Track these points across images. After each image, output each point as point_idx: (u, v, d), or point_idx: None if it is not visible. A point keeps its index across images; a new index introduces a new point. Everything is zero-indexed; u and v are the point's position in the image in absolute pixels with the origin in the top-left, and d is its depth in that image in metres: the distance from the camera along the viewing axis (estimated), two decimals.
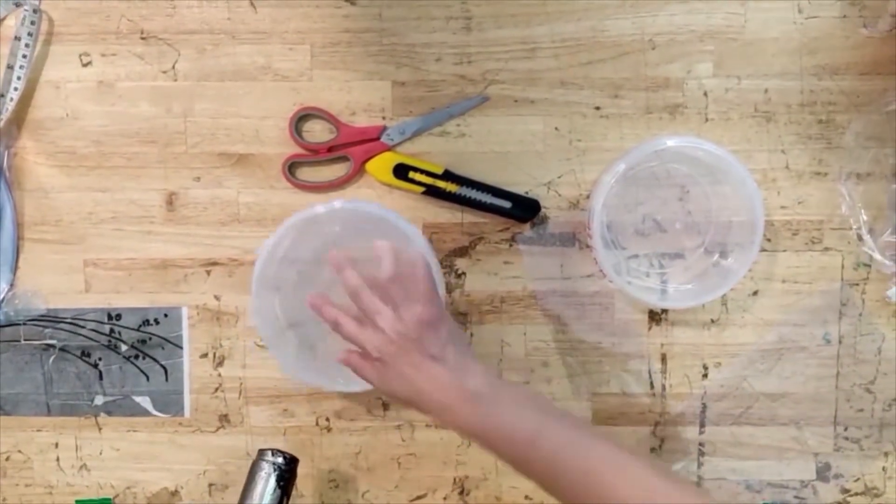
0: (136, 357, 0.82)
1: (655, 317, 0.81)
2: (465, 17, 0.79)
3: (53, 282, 0.82)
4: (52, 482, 0.83)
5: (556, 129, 0.80)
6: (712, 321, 0.81)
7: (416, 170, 0.79)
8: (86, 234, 0.81)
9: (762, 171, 0.80)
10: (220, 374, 0.82)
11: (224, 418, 0.82)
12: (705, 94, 0.79)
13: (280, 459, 0.73)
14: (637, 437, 0.82)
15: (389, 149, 0.80)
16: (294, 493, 0.76)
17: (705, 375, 0.81)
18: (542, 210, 0.80)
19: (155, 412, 0.83)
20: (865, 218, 0.80)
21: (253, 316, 0.76)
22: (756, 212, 0.74)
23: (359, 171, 0.80)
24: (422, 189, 0.79)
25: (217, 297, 0.82)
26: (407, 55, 0.79)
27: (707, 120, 0.80)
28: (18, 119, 0.80)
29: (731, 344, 0.81)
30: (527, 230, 0.81)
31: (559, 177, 0.80)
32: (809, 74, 0.79)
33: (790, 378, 0.81)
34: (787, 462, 0.82)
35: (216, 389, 0.82)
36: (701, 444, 0.82)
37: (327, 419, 0.82)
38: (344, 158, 0.80)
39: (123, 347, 0.82)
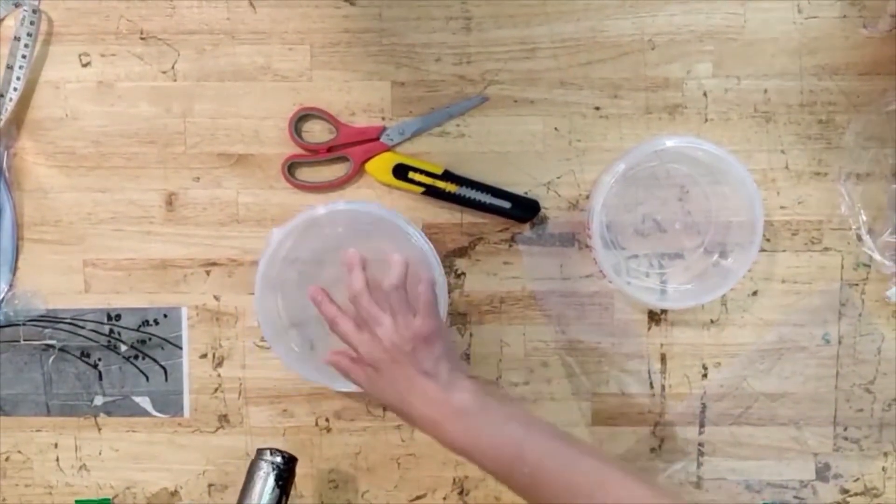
0: (136, 357, 0.82)
1: (655, 317, 0.81)
2: (465, 17, 0.79)
3: (53, 282, 0.82)
4: (51, 482, 0.83)
5: (555, 129, 0.80)
6: (712, 321, 0.81)
7: (415, 170, 0.79)
8: (85, 235, 0.81)
9: (762, 172, 0.80)
10: (219, 375, 0.82)
11: (223, 418, 0.82)
12: (705, 94, 0.79)
13: (279, 459, 0.73)
14: (636, 438, 0.82)
15: (389, 149, 0.80)
16: (294, 493, 0.76)
17: (705, 375, 0.81)
18: (542, 210, 0.80)
19: (154, 412, 0.83)
20: (865, 218, 0.80)
21: (256, 313, 0.76)
22: (755, 212, 0.74)
23: (358, 171, 0.80)
24: (421, 189, 0.79)
25: (216, 298, 0.82)
26: (406, 55, 0.79)
27: (707, 120, 0.80)
28: (18, 119, 0.80)
29: (731, 344, 0.81)
30: (526, 230, 0.81)
31: (559, 177, 0.80)
32: (809, 74, 0.79)
33: (790, 378, 0.81)
34: (786, 462, 0.82)
35: (216, 390, 0.82)
36: (700, 445, 0.82)
37: (327, 419, 0.82)
38: (343, 159, 0.80)
39: (123, 348, 0.82)
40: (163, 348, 0.82)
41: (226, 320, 0.82)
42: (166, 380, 0.82)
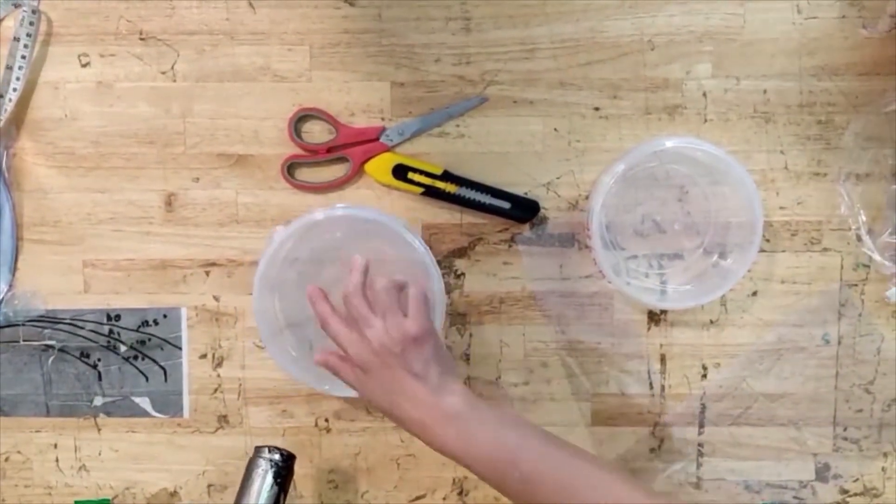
0: (136, 358, 0.82)
1: (654, 317, 0.81)
2: (465, 17, 0.79)
3: (52, 282, 0.82)
4: (51, 483, 0.83)
5: (555, 129, 0.80)
6: (711, 322, 0.81)
7: (415, 170, 0.79)
8: (85, 235, 0.81)
9: (761, 172, 0.80)
10: (219, 375, 0.82)
11: (223, 419, 0.82)
12: (704, 94, 0.79)
13: (277, 456, 0.73)
14: (636, 438, 0.82)
15: (388, 149, 0.80)
16: (293, 493, 0.76)
17: (704, 376, 0.81)
18: (542, 211, 0.80)
19: (154, 413, 0.83)
20: (864, 218, 0.80)
21: (254, 314, 0.76)
22: (755, 212, 0.74)
23: (358, 171, 0.80)
24: (421, 190, 0.79)
25: (216, 298, 0.82)
26: (406, 56, 0.79)
27: (706, 121, 0.80)
28: (17, 120, 0.80)
29: (730, 344, 0.81)
30: (526, 231, 0.81)
31: (558, 177, 0.80)
32: (808, 75, 0.79)
33: (789, 378, 0.81)
34: (786, 462, 0.82)
35: (215, 390, 0.82)
36: (700, 445, 0.82)
37: (326, 420, 0.82)
38: (343, 159, 0.80)
39: (122, 348, 0.82)
40: (162, 349, 0.82)
41: (225, 321, 0.82)
42: (166, 380, 0.82)
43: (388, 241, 0.76)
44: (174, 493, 0.83)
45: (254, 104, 0.80)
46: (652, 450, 0.82)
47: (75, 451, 0.83)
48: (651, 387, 0.82)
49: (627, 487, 0.61)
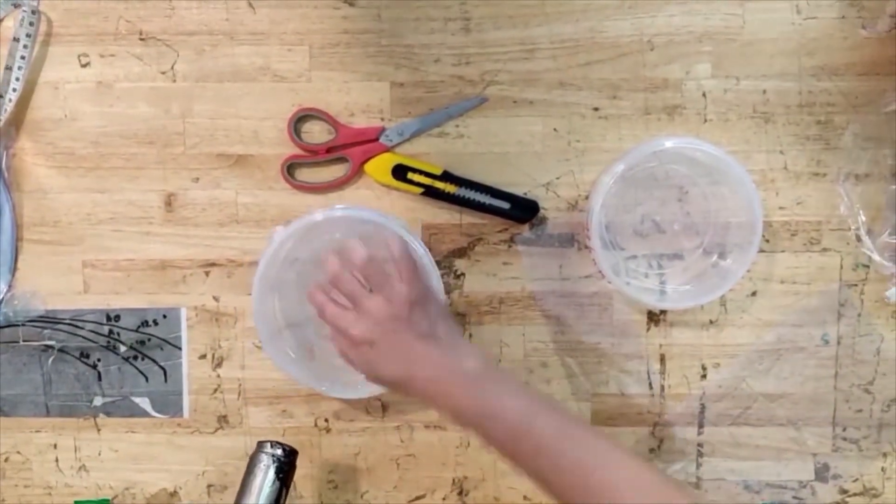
0: (135, 358, 0.82)
1: (654, 317, 0.81)
2: (464, 18, 0.79)
3: (52, 283, 0.82)
4: (50, 483, 0.83)
5: (554, 129, 0.80)
6: (711, 322, 0.81)
7: (414, 171, 0.79)
8: (84, 235, 0.81)
9: (761, 172, 0.80)
10: (218, 375, 0.82)
11: (223, 419, 0.82)
12: (704, 94, 0.79)
13: (279, 451, 0.73)
14: (636, 438, 0.82)
15: (388, 150, 0.80)
16: (293, 493, 0.76)
17: (704, 376, 0.81)
18: (541, 211, 0.80)
19: (154, 413, 0.83)
20: (864, 219, 0.80)
21: (254, 313, 0.76)
22: (754, 212, 0.74)
23: (357, 172, 0.80)
24: (420, 190, 0.79)
25: (216, 298, 0.82)
26: (405, 56, 0.79)
27: (706, 121, 0.80)
28: (17, 120, 0.80)
29: (730, 344, 0.81)
30: (525, 231, 0.81)
31: (558, 178, 0.80)
32: (808, 75, 0.79)
33: (789, 379, 0.81)
34: (785, 462, 0.82)
35: (215, 390, 0.82)
36: (699, 445, 0.82)
37: (326, 420, 0.82)
38: (343, 159, 0.80)
39: (122, 348, 0.82)
40: (162, 349, 0.82)
41: (225, 321, 0.82)
42: (165, 380, 0.82)
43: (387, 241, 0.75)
44: (174, 494, 0.83)
45: (253, 104, 0.80)
46: (651, 450, 0.82)
47: (75, 451, 0.83)
48: (651, 387, 0.82)
49: (640, 468, 0.60)
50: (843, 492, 0.82)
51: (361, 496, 0.83)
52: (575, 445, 0.61)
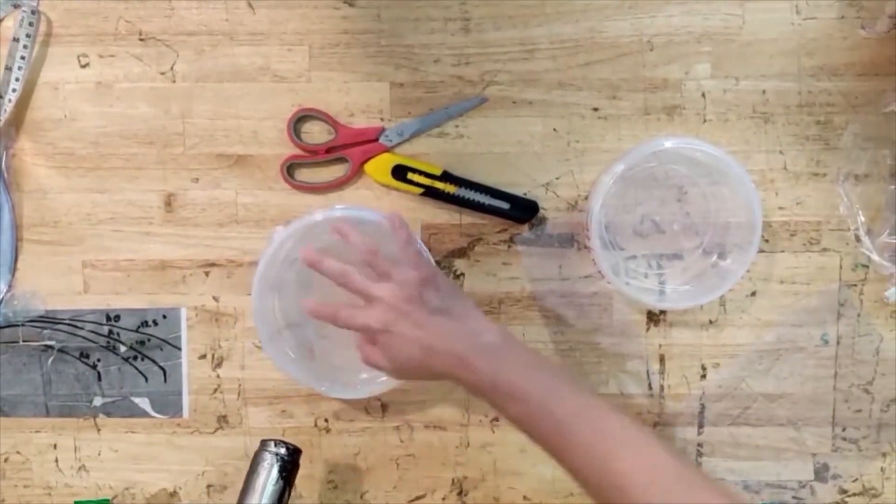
0: (135, 358, 0.82)
1: (654, 317, 0.81)
2: (464, 18, 0.79)
3: (52, 283, 0.82)
4: (50, 483, 0.83)
5: (554, 130, 0.80)
6: (710, 322, 0.81)
7: (414, 171, 0.79)
8: (84, 235, 0.81)
9: (760, 172, 0.80)
10: (218, 376, 0.82)
11: (223, 419, 0.82)
12: (703, 95, 0.79)
13: (283, 450, 0.73)
14: None
15: (388, 150, 0.80)
16: (293, 493, 0.76)
17: (703, 376, 0.81)
18: (541, 211, 0.80)
19: (153, 413, 0.83)
20: (863, 219, 0.80)
21: (253, 313, 0.76)
22: (754, 213, 0.74)
23: (357, 172, 0.80)
24: (420, 190, 0.79)
25: (216, 299, 0.82)
26: (405, 56, 0.79)
27: (705, 121, 0.80)
28: (17, 120, 0.80)
29: (730, 345, 0.81)
30: (525, 231, 0.81)
31: (557, 178, 0.80)
32: (807, 75, 0.79)
33: (788, 379, 0.81)
34: (785, 462, 0.82)
35: (215, 390, 0.82)
36: (699, 445, 0.82)
37: (326, 420, 0.82)
38: (342, 160, 0.80)
39: (122, 348, 0.82)
40: (162, 349, 0.82)
41: (225, 321, 0.82)
42: (165, 381, 0.82)
43: (386, 241, 0.75)
44: (174, 494, 0.83)
45: (253, 104, 0.80)
46: None
47: (75, 451, 0.83)
48: (650, 387, 0.82)
49: (658, 448, 0.59)
50: (843, 492, 0.82)
51: (361, 496, 0.83)
52: (593, 421, 0.60)
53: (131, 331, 0.82)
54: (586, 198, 0.80)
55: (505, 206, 0.79)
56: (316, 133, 0.81)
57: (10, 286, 0.81)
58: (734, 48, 0.79)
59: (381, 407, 0.82)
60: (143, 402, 0.82)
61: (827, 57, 0.79)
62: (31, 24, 0.78)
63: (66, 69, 0.80)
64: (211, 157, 0.81)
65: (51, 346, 0.82)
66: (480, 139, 0.80)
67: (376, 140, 0.80)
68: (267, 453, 0.73)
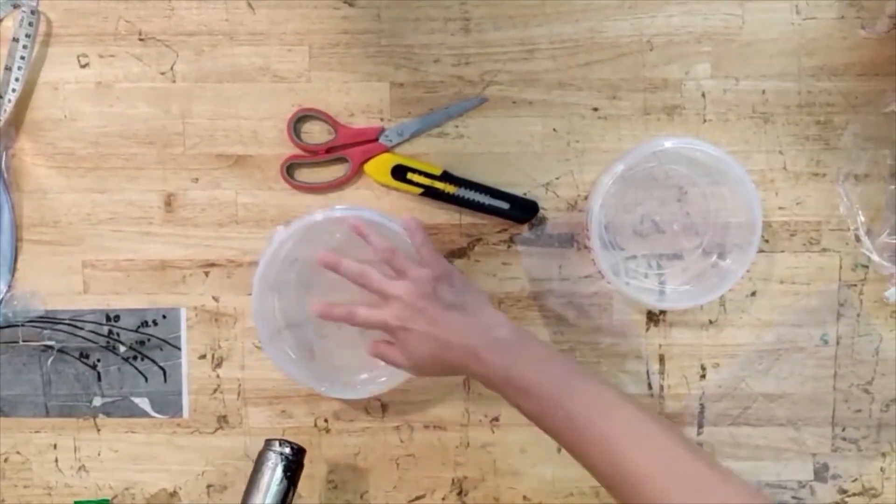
0: (135, 358, 0.82)
1: (654, 317, 0.81)
2: (464, 18, 0.79)
3: (52, 283, 0.82)
4: (50, 483, 0.83)
5: (554, 130, 0.80)
6: (710, 322, 0.81)
7: (414, 171, 0.79)
8: (84, 236, 0.81)
9: (760, 172, 0.80)
10: (218, 376, 0.82)
11: (223, 419, 0.82)
12: (703, 95, 0.79)
13: (287, 450, 0.73)
14: None
15: (388, 150, 0.80)
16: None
17: (703, 376, 0.81)
18: (541, 211, 0.80)
19: (153, 413, 0.83)
20: (863, 219, 0.80)
21: (254, 313, 0.76)
22: (754, 213, 0.74)
23: (357, 172, 0.80)
24: (420, 190, 0.79)
25: (216, 299, 0.82)
26: (405, 56, 0.79)
27: (705, 121, 0.80)
28: (17, 120, 0.80)
29: (729, 345, 0.81)
30: (525, 231, 0.81)
31: (557, 178, 0.80)
32: (807, 75, 0.79)
33: (788, 379, 0.81)
34: (784, 462, 0.82)
35: (215, 391, 0.82)
36: (699, 445, 0.82)
37: (326, 420, 0.82)
38: (342, 160, 0.80)
39: (122, 349, 0.82)
40: (162, 349, 0.82)
41: (225, 321, 0.82)
42: (165, 381, 0.82)
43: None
44: (174, 494, 0.83)
45: (253, 104, 0.80)
46: None
47: (75, 451, 0.83)
48: (650, 387, 0.82)
49: (673, 442, 0.59)
50: (843, 492, 0.82)
51: (361, 496, 0.83)
52: (606, 416, 0.61)
53: (131, 331, 0.82)
54: (586, 198, 0.80)
55: (505, 206, 0.79)
56: (316, 133, 0.81)
57: (10, 286, 0.81)
58: (734, 48, 0.79)
59: (381, 407, 0.82)
60: (143, 402, 0.82)
61: (827, 57, 0.79)
62: (30, 24, 0.78)
63: (65, 69, 0.80)
64: (211, 157, 0.81)
65: (51, 347, 0.82)
66: (480, 139, 0.80)
67: (376, 140, 0.80)
68: (271, 453, 0.73)
